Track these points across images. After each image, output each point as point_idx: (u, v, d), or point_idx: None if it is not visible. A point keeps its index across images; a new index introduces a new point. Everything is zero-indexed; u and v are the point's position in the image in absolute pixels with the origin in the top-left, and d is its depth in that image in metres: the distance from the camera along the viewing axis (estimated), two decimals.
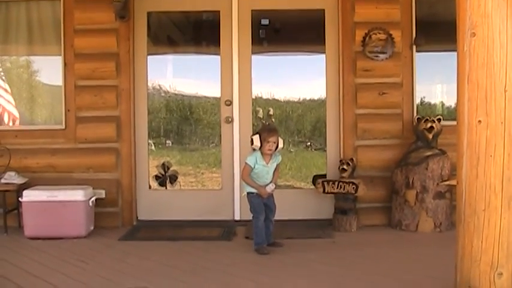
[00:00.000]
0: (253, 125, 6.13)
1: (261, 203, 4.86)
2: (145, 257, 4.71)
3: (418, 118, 5.71)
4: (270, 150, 4.80)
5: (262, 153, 4.82)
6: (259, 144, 4.75)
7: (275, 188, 4.90)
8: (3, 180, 5.61)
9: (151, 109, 6.28)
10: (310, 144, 6.51)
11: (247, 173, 4.84)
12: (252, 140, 4.79)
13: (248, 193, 4.89)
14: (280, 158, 5.00)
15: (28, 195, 5.34)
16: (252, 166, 4.81)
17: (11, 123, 6.17)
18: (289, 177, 6.38)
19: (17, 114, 6.23)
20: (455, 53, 3.25)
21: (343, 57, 5.91)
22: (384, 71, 5.85)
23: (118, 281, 3.97)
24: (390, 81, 5.86)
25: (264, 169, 4.85)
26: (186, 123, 6.47)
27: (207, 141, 6.46)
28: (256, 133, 4.85)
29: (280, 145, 4.87)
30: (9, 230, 5.58)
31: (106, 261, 4.60)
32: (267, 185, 4.86)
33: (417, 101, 6.00)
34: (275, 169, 4.92)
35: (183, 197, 6.27)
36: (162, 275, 4.15)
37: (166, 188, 6.42)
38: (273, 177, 4.91)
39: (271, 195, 4.93)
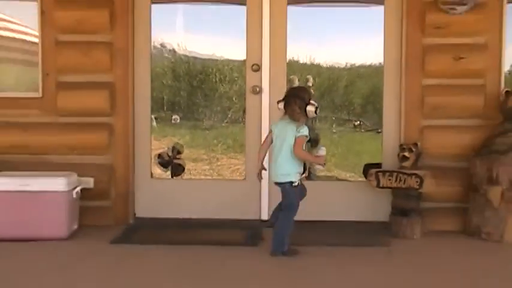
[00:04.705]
0: None
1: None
2: (144, 266, 4.53)
3: (506, 91, 5.39)
4: None
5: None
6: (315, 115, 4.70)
7: None
8: None
9: (154, 74, 6.05)
10: (360, 124, 6.33)
11: (302, 146, 4.65)
12: (314, 111, 4.60)
13: (291, 183, 4.64)
14: None
15: None
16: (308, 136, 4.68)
17: None
18: (333, 166, 6.20)
19: None
20: None
21: (408, 9, 5.60)
22: (462, 28, 5.50)
23: None
24: (470, 42, 5.53)
25: None
26: (199, 94, 6.34)
27: (226, 118, 6.32)
28: (307, 103, 4.61)
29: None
30: None
31: (93, 270, 4.43)
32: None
33: (506, 68, 5.65)
34: None
35: (195, 190, 6.02)
36: None
37: (173, 177, 6.24)
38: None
39: None
